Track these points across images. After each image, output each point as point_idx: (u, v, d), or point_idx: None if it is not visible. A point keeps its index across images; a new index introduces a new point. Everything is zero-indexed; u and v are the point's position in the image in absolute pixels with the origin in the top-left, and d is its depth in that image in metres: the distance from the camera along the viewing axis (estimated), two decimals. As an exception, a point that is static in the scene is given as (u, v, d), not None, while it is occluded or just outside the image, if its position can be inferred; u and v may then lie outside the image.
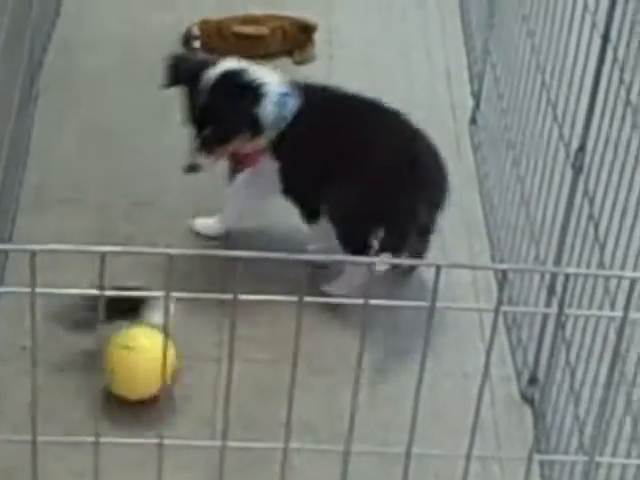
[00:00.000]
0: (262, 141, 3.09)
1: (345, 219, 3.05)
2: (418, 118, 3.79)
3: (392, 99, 3.81)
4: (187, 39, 3.89)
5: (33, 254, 1.65)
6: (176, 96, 3.48)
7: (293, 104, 3.09)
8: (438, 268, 1.69)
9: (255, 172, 3.17)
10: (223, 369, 2.84)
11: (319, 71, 3.81)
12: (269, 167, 3.14)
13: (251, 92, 3.05)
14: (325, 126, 3.12)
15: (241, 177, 3.22)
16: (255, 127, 3.06)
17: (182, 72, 3.12)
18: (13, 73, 3.21)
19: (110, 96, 3.71)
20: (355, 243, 2.99)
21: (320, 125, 3.11)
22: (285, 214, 3.23)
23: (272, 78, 3.10)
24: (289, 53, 3.96)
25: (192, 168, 3.10)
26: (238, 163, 3.18)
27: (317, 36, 3.90)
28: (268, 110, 3.05)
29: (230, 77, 3.07)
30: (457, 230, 3.38)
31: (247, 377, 2.77)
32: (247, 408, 2.70)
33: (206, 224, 3.32)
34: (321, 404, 2.76)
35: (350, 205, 3.04)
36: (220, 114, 3.05)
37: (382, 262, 2.66)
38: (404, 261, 3.11)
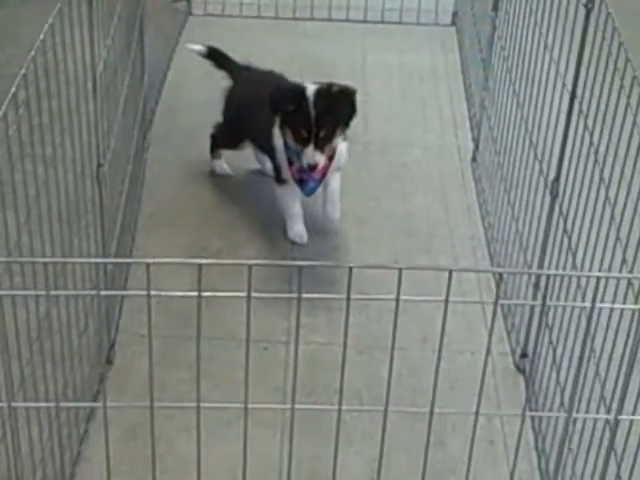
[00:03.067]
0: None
1: None
2: (432, 157, 3.81)
3: (412, 143, 3.82)
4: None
5: (148, 265, 1.66)
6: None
7: None
8: (451, 272, 1.68)
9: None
10: (290, 349, 2.84)
11: (359, 122, 3.79)
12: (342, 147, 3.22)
13: (347, 97, 3.11)
14: None
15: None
16: (349, 121, 3.14)
17: (283, 99, 3.12)
18: (130, 129, 3.22)
19: (202, 146, 3.72)
20: None
21: None
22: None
23: None
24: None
25: (311, 167, 3.09)
26: (322, 172, 3.17)
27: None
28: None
29: (324, 92, 3.09)
30: (464, 243, 3.36)
31: (308, 356, 2.77)
32: (308, 379, 2.68)
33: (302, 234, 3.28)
34: (364, 376, 2.74)
35: None
36: (330, 118, 3.07)
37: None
38: (418, 267, 3.09)
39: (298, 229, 3.29)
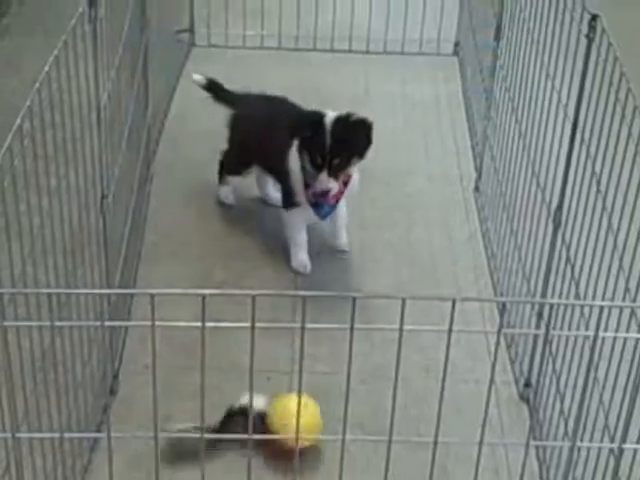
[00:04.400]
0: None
1: None
2: (435, 187, 3.82)
3: (415, 172, 3.83)
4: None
5: (152, 296, 1.66)
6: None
7: None
8: (454, 301, 1.69)
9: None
10: (294, 379, 2.83)
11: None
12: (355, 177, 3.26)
13: (363, 125, 3.14)
14: None
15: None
16: (365, 152, 3.16)
17: (301, 125, 3.17)
18: (134, 159, 3.24)
19: (205, 177, 3.73)
20: None
21: None
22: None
23: None
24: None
25: (323, 193, 3.14)
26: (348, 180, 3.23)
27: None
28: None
29: (342, 120, 3.13)
30: (467, 272, 3.37)
31: (311, 385, 2.76)
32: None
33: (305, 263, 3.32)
34: (367, 405, 2.74)
35: None
36: (346, 145, 3.11)
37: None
38: (421, 297, 3.10)
39: (302, 258, 3.31)
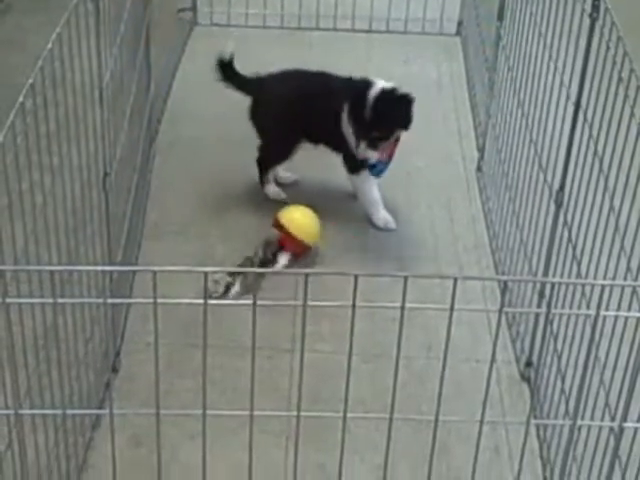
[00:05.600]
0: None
1: None
2: (437, 167, 3.82)
3: (417, 152, 3.82)
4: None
5: (154, 273, 1.66)
6: (255, 150, 3.53)
7: None
8: (455, 280, 1.69)
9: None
10: (295, 357, 2.84)
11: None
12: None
13: (405, 102, 3.23)
14: None
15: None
16: (408, 125, 3.26)
17: (348, 93, 3.27)
18: (136, 138, 3.24)
19: (207, 156, 3.74)
20: None
21: None
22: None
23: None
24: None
25: (362, 163, 3.30)
26: (388, 154, 3.33)
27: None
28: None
29: (387, 93, 3.23)
30: (469, 251, 3.37)
31: (313, 364, 2.77)
32: (313, 388, 2.69)
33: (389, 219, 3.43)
34: (369, 384, 2.75)
35: None
36: (386, 120, 3.22)
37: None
38: (423, 276, 3.10)
39: (384, 215, 3.44)
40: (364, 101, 3.20)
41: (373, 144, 3.24)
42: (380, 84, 3.26)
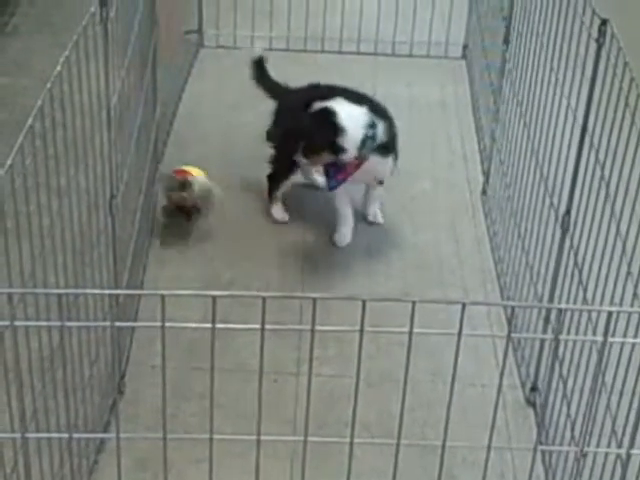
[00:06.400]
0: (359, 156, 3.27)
1: None
2: (442, 189, 3.82)
3: (422, 175, 3.83)
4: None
5: (163, 297, 1.67)
6: (260, 172, 3.54)
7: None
8: (464, 305, 1.69)
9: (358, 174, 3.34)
10: (300, 381, 2.83)
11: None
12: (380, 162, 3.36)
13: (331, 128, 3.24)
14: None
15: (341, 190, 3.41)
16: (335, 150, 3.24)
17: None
18: (142, 160, 3.24)
19: (212, 177, 3.74)
20: None
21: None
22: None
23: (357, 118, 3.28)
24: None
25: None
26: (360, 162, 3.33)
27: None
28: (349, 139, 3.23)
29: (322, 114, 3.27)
30: (475, 275, 3.37)
31: (318, 388, 2.77)
32: (319, 412, 2.67)
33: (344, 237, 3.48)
34: (374, 408, 2.74)
35: None
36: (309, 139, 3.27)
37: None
38: (431, 301, 3.10)
39: (342, 232, 3.49)
40: (301, 123, 3.29)
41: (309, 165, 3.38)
42: (323, 105, 3.30)
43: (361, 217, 3.56)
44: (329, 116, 3.25)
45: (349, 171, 3.33)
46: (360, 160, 3.31)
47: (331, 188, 3.41)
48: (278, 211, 3.60)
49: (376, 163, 3.35)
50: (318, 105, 3.28)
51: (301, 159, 3.33)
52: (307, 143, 3.27)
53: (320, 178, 3.58)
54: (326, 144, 3.25)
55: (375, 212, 3.60)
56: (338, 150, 3.24)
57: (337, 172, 3.34)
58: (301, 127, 3.27)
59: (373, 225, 3.58)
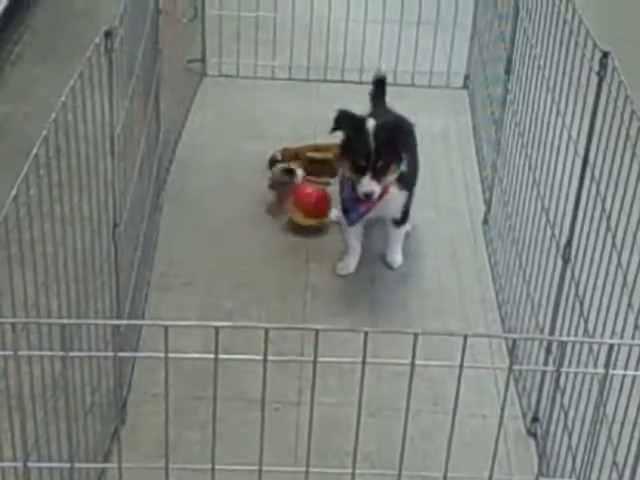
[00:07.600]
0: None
1: None
2: (443, 219, 3.84)
3: (423, 204, 3.84)
4: (272, 162, 3.91)
5: (166, 328, 1.68)
6: (262, 204, 3.54)
7: None
8: (465, 337, 1.70)
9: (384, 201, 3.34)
10: (301, 410, 2.83)
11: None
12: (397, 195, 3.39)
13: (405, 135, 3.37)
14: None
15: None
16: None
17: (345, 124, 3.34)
18: (145, 188, 3.26)
19: (214, 205, 3.76)
20: None
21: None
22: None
23: None
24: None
25: (367, 196, 3.26)
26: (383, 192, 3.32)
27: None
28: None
29: (386, 126, 3.31)
30: (475, 305, 3.38)
31: (319, 417, 2.74)
32: (320, 441, 2.66)
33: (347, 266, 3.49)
34: (375, 438, 2.74)
35: None
36: (388, 152, 3.26)
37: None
38: (433, 333, 3.11)
39: (345, 261, 3.49)
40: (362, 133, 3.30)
41: (377, 176, 3.27)
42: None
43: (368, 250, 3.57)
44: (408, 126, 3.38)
45: (371, 204, 3.32)
46: (384, 190, 3.32)
47: (351, 222, 3.41)
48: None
49: (392, 195, 3.37)
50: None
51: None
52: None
53: (338, 212, 3.56)
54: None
55: (392, 255, 3.54)
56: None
57: (358, 205, 3.33)
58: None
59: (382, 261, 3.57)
